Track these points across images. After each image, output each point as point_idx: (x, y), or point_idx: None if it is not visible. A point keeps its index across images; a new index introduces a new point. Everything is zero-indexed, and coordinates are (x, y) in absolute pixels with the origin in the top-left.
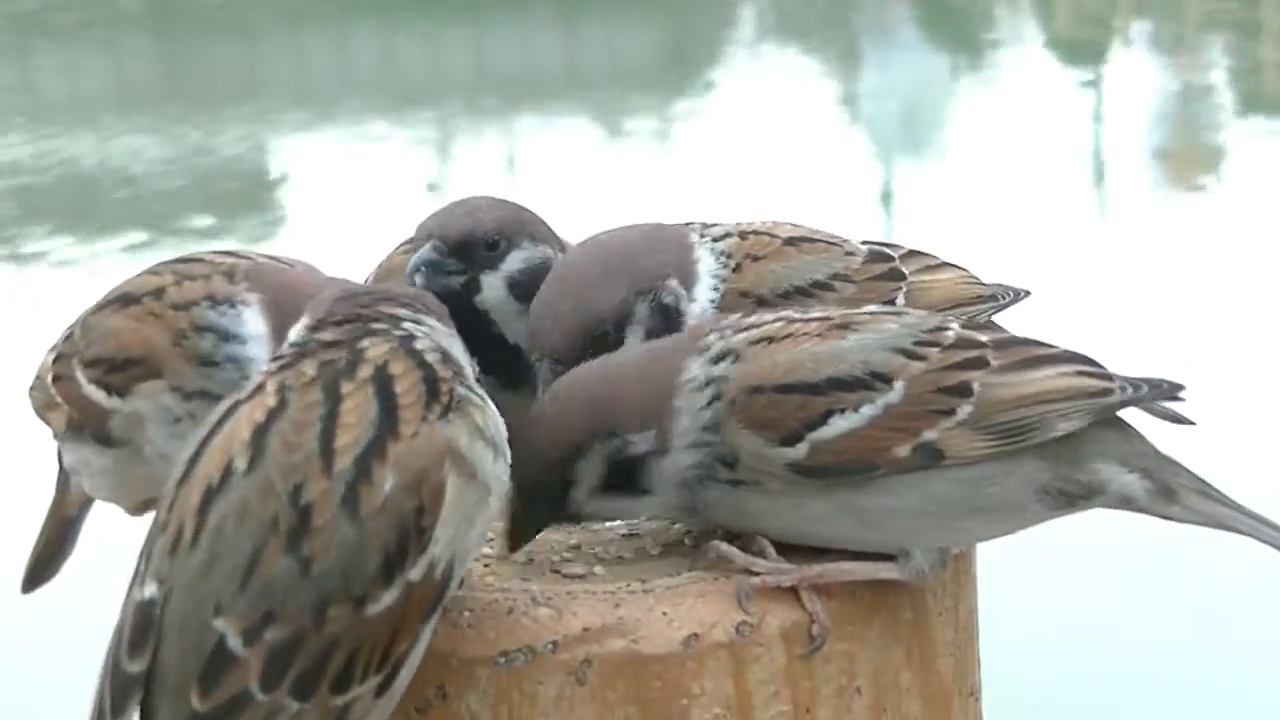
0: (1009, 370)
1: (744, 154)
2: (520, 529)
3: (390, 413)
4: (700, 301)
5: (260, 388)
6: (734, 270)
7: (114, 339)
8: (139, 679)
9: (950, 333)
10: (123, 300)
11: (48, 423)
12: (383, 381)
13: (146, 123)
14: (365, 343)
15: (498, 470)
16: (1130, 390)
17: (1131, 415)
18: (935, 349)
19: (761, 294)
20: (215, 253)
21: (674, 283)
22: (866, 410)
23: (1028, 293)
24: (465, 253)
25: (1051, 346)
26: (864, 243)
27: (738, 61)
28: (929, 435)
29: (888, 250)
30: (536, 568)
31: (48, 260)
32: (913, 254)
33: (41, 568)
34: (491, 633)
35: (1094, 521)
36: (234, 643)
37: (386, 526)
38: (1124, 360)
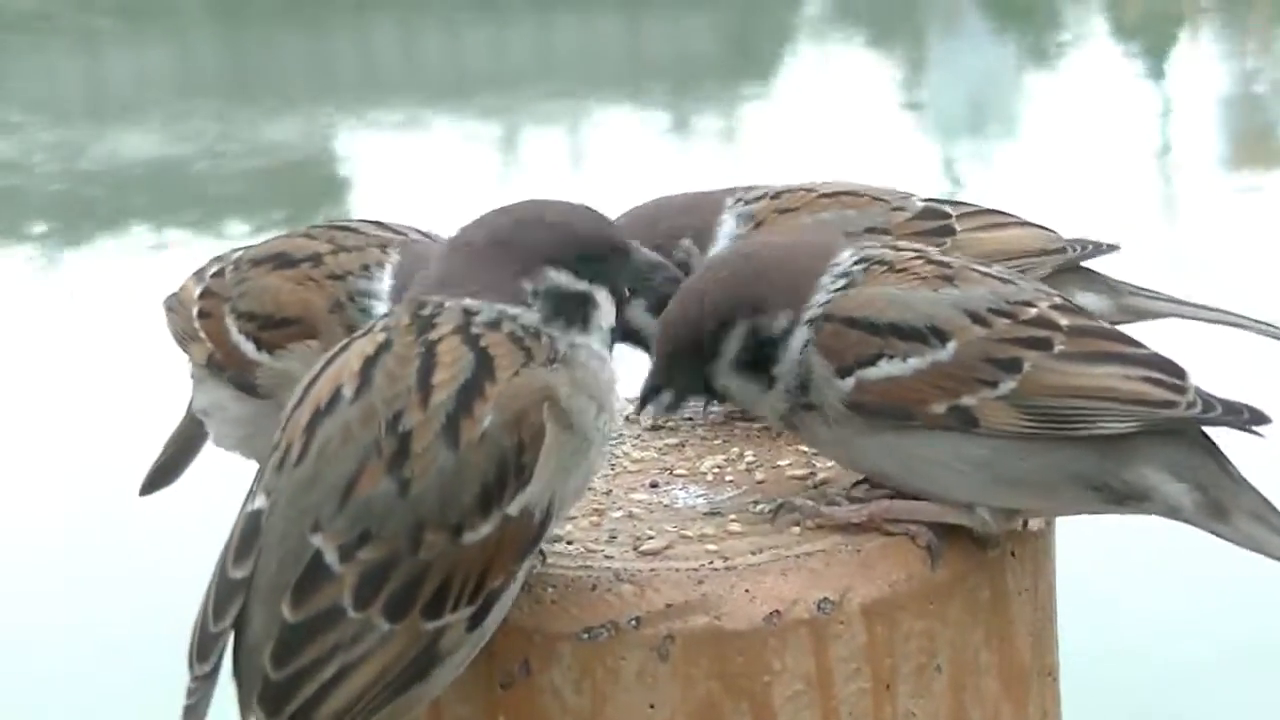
0: (1071, 359)
1: (810, 142)
2: (662, 400)
3: (484, 361)
4: None
5: (372, 328)
6: (756, 227)
7: (272, 298)
8: (242, 584)
9: (1034, 309)
10: (280, 260)
11: (186, 351)
12: (470, 336)
13: (213, 115)
14: (428, 314)
15: (599, 424)
16: (1199, 408)
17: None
18: (1006, 320)
19: None
20: (368, 223)
21: (687, 242)
22: (913, 362)
23: (1113, 246)
24: None
25: (1135, 346)
26: (928, 200)
27: (803, 50)
28: (967, 400)
29: (946, 208)
30: (619, 545)
31: (116, 249)
32: (983, 212)
33: (161, 475)
34: (575, 609)
35: None
36: (330, 558)
37: (485, 459)
38: (1185, 356)
